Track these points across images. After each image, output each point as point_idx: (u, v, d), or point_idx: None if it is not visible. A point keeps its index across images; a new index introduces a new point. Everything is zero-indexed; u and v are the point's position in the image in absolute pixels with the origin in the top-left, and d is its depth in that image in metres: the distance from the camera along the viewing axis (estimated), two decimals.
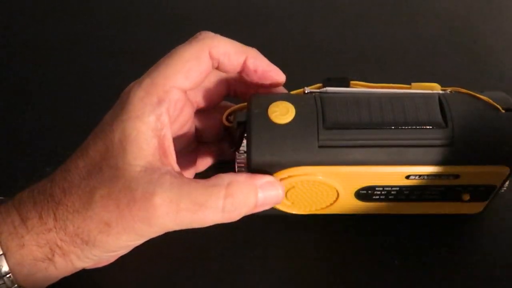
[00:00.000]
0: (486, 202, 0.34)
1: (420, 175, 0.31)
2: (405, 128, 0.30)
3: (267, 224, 0.36)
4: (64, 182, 0.29)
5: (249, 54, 0.33)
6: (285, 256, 0.35)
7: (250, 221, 0.31)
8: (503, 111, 0.31)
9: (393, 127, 0.30)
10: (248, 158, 0.30)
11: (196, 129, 0.36)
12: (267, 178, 0.30)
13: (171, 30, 0.50)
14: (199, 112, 0.36)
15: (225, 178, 0.29)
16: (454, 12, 0.53)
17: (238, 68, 0.33)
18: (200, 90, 0.35)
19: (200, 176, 0.39)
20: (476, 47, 0.49)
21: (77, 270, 0.31)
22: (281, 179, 0.31)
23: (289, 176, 0.31)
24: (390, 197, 0.33)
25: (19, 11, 0.52)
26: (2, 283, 0.28)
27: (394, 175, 0.31)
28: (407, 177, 0.31)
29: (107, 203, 0.28)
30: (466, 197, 0.33)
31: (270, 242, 0.36)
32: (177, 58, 0.31)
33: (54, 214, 0.29)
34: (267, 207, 0.31)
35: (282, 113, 0.30)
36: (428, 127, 0.30)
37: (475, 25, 0.51)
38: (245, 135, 0.32)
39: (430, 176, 0.31)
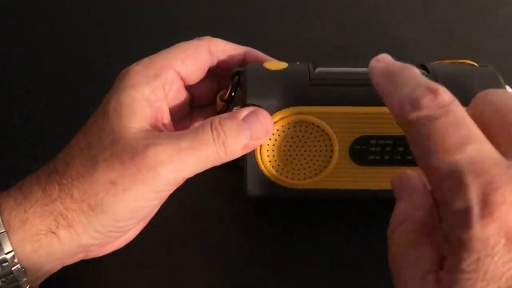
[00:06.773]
0: None
1: None
2: None
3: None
4: (66, 157, 0.30)
5: (247, 50, 0.35)
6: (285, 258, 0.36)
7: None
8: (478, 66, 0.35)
9: None
10: (244, 100, 0.32)
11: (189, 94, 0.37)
12: (249, 109, 0.31)
13: (169, 35, 0.50)
14: None
15: (211, 118, 0.31)
16: None
17: (237, 65, 0.35)
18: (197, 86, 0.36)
19: (200, 175, 0.39)
20: None
21: (82, 249, 0.31)
22: (275, 122, 0.33)
23: (283, 118, 0.32)
24: (385, 157, 0.34)
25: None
26: (5, 262, 0.28)
27: (385, 116, 0.32)
28: None
29: (111, 163, 0.28)
30: None
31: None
32: (176, 47, 0.33)
33: (59, 185, 0.29)
34: (260, 138, 0.32)
35: (276, 65, 0.34)
36: None
37: None
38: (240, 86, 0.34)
39: None
